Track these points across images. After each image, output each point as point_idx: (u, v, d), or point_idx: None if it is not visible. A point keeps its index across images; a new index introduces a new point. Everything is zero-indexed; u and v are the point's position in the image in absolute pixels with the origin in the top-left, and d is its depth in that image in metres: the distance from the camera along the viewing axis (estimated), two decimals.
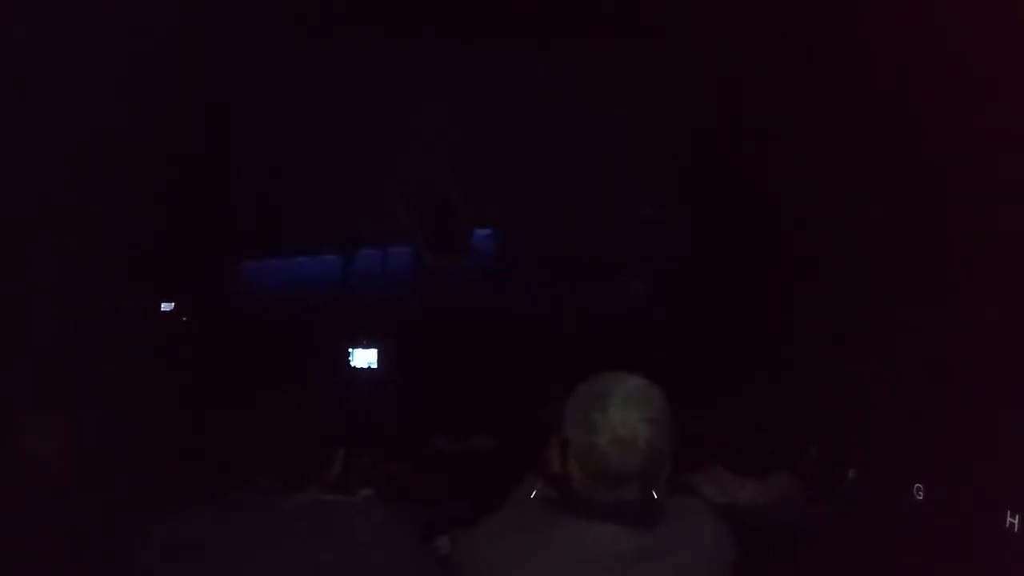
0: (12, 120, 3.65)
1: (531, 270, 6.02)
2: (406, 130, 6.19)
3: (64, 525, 1.88)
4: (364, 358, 4.54)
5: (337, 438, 1.75)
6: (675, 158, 5.90)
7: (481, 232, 6.36)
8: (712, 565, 1.56)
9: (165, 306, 5.08)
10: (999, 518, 2.31)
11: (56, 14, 3.77)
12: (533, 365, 4.10)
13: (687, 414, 1.64)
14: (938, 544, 2.39)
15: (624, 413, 1.48)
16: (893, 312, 3.22)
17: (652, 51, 5.79)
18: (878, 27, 3.25)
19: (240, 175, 6.17)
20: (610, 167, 6.11)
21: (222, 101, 5.83)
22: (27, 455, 2.01)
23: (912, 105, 3.11)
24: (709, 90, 5.56)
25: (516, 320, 5.26)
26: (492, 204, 6.32)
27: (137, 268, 4.86)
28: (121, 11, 4.12)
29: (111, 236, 4.67)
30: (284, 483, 1.65)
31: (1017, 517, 2.28)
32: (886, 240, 3.38)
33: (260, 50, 5.92)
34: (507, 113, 6.13)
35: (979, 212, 2.76)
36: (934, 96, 2.97)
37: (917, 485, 2.60)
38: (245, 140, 6.15)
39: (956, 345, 2.73)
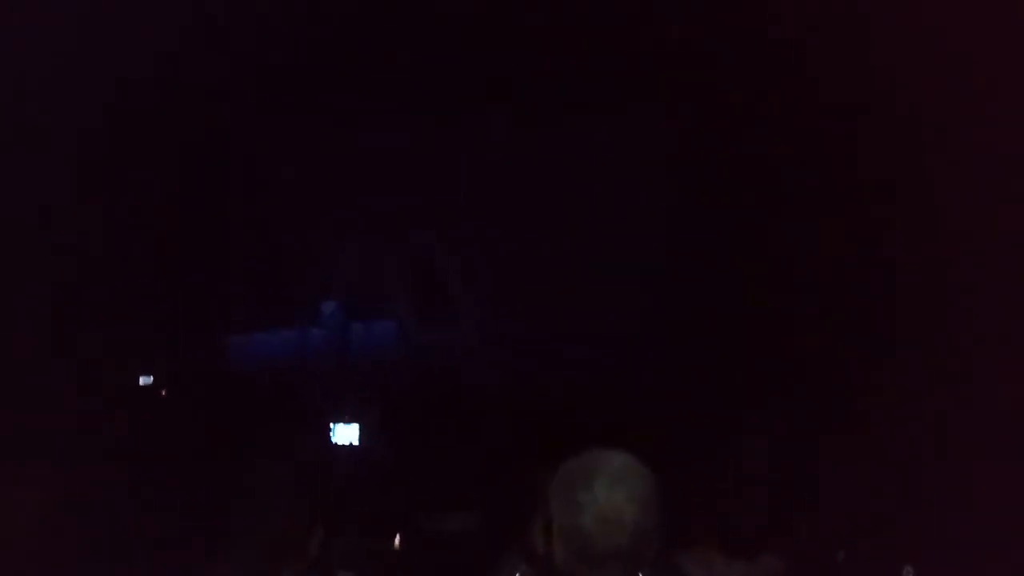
0: None
1: (518, 343, 6.00)
2: (394, 201, 6.23)
3: None
4: (346, 434, 4.48)
5: (316, 518, 1.71)
6: (654, 226, 6.00)
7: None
8: None
9: (143, 379, 5.02)
10: None
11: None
12: (519, 442, 4.04)
13: (675, 492, 1.62)
14: None
15: (610, 492, 1.45)
16: (881, 385, 3.21)
17: (629, 122, 5.95)
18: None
19: (223, 246, 6.18)
20: (599, 237, 6.16)
21: (207, 170, 5.88)
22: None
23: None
24: (683, 161, 5.71)
25: (502, 396, 5.22)
26: (480, 276, 6.33)
27: (116, 341, 4.81)
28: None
29: (91, 309, 4.64)
30: (262, 563, 1.60)
31: None
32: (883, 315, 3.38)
33: (246, 118, 6.01)
34: (494, 185, 6.20)
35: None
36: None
37: (907, 567, 2.56)
38: (230, 210, 6.18)
39: (951, 420, 2.71)
